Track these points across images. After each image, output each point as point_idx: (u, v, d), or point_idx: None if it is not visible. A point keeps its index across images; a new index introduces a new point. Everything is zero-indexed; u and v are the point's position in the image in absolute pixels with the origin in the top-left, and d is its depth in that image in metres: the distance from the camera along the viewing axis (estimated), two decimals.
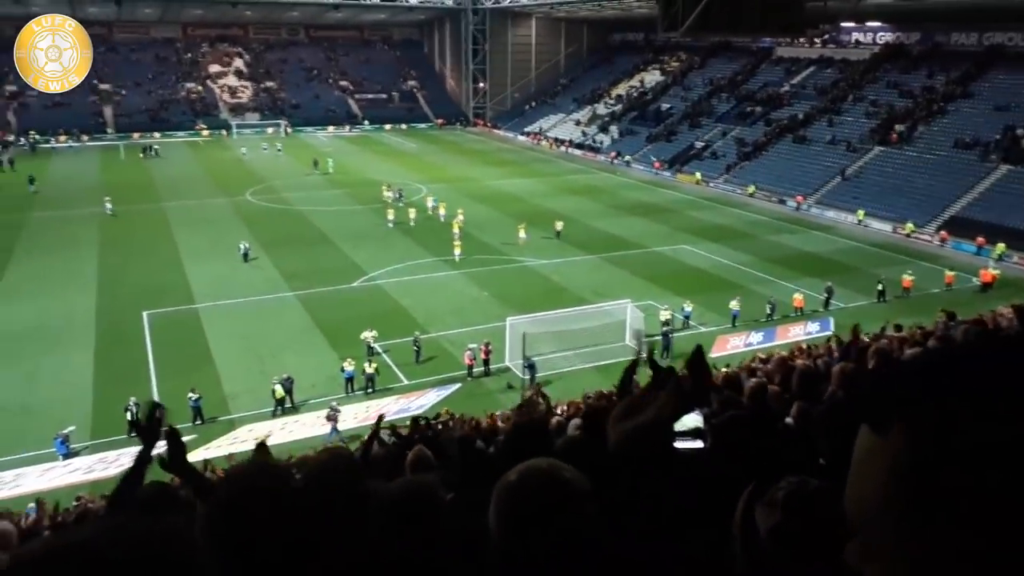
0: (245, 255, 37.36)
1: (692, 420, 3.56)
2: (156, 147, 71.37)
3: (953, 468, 0.65)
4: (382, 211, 46.50)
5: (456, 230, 40.60)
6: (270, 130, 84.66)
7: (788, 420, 5.63)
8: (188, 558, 0.96)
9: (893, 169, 51.32)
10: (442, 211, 45.49)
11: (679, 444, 3.51)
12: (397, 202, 48.69)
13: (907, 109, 56.42)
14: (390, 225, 43.97)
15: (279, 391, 23.37)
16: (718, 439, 3.59)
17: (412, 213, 44.81)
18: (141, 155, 69.07)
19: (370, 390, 24.80)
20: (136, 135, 78.91)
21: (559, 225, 42.65)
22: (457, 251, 37.66)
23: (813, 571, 1.94)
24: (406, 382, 25.64)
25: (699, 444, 3.50)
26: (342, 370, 24.73)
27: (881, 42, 65.76)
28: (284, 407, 23.52)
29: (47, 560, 0.90)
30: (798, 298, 31.65)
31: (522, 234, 40.44)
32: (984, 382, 0.67)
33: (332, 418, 21.98)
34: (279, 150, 72.46)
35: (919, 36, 62.63)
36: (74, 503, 14.03)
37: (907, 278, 33.57)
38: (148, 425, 3.13)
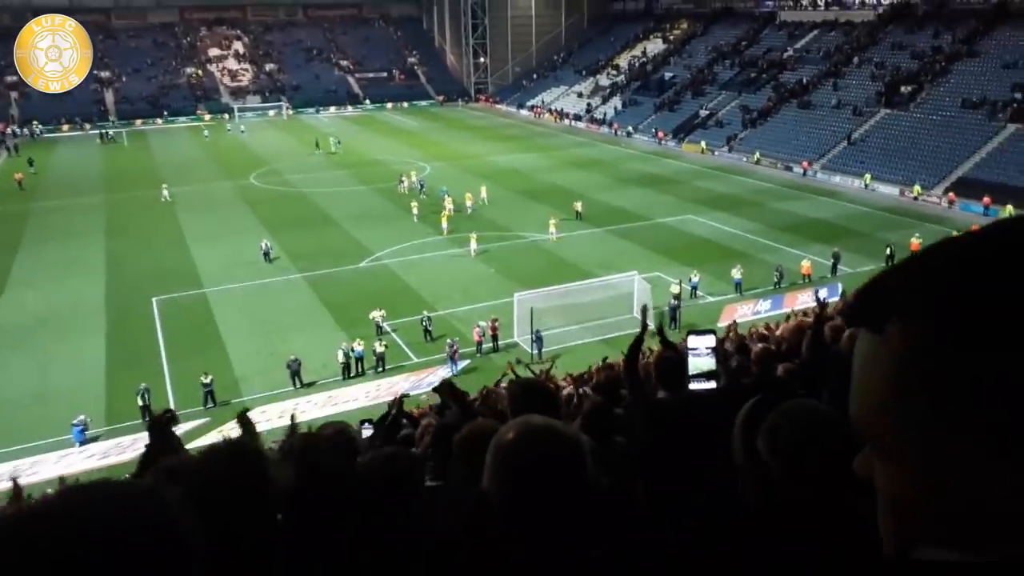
0: (266, 255, 34.90)
1: (706, 363, 3.62)
2: (111, 132, 71.60)
3: (960, 354, 0.62)
4: (395, 198, 45.49)
5: (445, 224, 38.28)
6: (271, 113, 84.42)
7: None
8: (164, 518, 0.94)
9: (899, 131, 50.80)
10: (468, 201, 42.39)
11: (694, 385, 3.58)
12: (419, 193, 45.34)
13: (913, 70, 55.68)
14: (415, 219, 40.32)
15: (339, 356, 24.47)
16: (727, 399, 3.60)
17: (448, 204, 40.92)
18: (99, 141, 69.14)
19: (380, 369, 24.93)
20: (138, 122, 78.83)
21: (578, 206, 41.14)
22: (474, 244, 35.25)
23: (820, 493, 1.92)
24: (415, 360, 25.74)
25: (712, 385, 3.55)
26: (352, 350, 24.84)
27: (886, 2, 64.81)
28: (350, 374, 24.62)
29: (16, 521, 0.90)
30: (806, 265, 31.51)
31: (553, 230, 37.16)
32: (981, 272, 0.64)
33: (452, 355, 24.27)
34: (242, 131, 73.00)
35: None
36: None
37: (915, 241, 33.33)
38: (157, 426, 3.33)
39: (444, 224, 38.51)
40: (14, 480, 6.76)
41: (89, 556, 0.85)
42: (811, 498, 1.95)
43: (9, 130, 71.95)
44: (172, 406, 22.67)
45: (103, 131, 71.86)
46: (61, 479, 14.28)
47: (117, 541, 0.88)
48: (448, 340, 25.38)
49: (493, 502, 1.78)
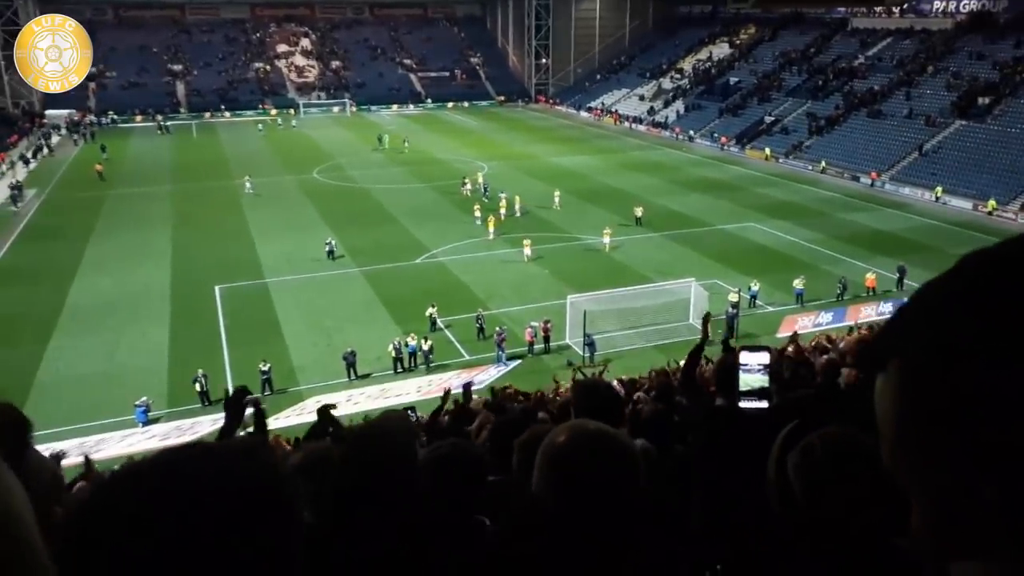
0: (331, 252, 34.99)
1: (757, 380, 3.53)
2: (167, 124, 74.44)
3: (953, 388, 0.64)
4: (452, 197, 45.73)
5: (492, 228, 37.66)
6: (335, 109, 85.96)
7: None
8: (273, 478, 0.94)
9: (975, 144, 48.96)
10: (517, 203, 42.04)
11: (744, 403, 3.50)
12: (483, 196, 44.59)
13: (992, 81, 53.61)
14: (479, 222, 39.18)
15: (391, 351, 24.79)
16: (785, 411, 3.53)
17: (502, 208, 40.93)
18: (159, 131, 72.13)
19: (427, 365, 25.05)
20: (208, 114, 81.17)
21: (639, 211, 40.40)
22: (528, 250, 34.55)
23: (840, 519, 1.89)
24: (467, 357, 25.87)
25: (764, 404, 3.47)
26: (406, 345, 25.09)
27: (965, 10, 62.55)
28: (403, 365, 24.98)
29: (128, 475, 0.90)
30: (870, 278, 30.64)
31: (607, 239, 36.29)
32: (975, 313, 0.67)
33: (500, 342, 25.00)
34: (293, 125, 75.39)
35: (1006, 3, 59.33)
36: None
37: None
38: (235, 403, 3.46)
39: (491, 228, 37.79)
40: (86, 456, 6.99)
41: (191, 508, 0.85)
42: (824, 520, 1.95)
43: (87, 119, 75.01)
44: (230, 392, 23.28)
45: (160, 123, 74.56)
46: (130, 459, 14.72)
47: (221, 493, 0.88)
48: (497, 328, 25.77)
49: (541, 503, 1.77)
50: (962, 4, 62.77)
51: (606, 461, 1.72)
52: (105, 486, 0.89)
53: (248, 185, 47.52)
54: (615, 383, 14.61)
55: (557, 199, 43.54)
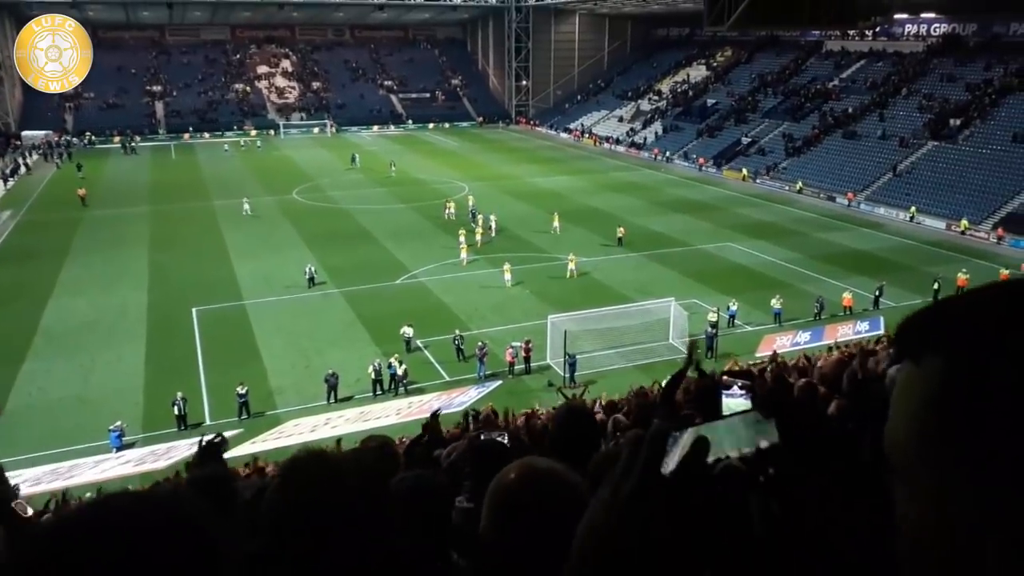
0: (311, 280, 33.95)
1: (739, 405, 3.53)
2: (134, 145, 74.38)
3: (989, 392, 0.60)
4: (433, 217, 45.75)
5: (464, 254, 37.17)
6: (316, 130, 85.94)
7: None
8: (190, 525, 0.94)
9: (947, 164, 49.84)
10: (493, 223, 42.18)
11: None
12: (471, 221, 43.35)
13: (962, 103, 54.71)
14: (460, 246, 38.12)
15: (371, 372, 24.48)
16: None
17: (479, 234, 40.45)
18: (123, 152, 72.01)
19: (401, 388, 24.70)
20: (186, 135, 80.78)
21: (621, 231, 40.63)
22: (508, 275, 33.92)
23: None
24: (447, 379, 25.73)
25: None
26: (388, 366, 24.91)
27: (936, 34, 63.89)
28: (383, 387, 24.64)
29: (46, 531, 0.91)
30: (847, 297, 30.93)
31: (572, 266, 35.26)
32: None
33: (481, 356, 25.18)
34: (258, 146, 75.76)
35: (976, 27, 60.68)
36: None
37: (961, 277, 32.52)
38: (210, 449, 3.39)
39: (464, 254, 37.25)
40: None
41: (114, 559, 0.87)
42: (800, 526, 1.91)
43: (63, 139, 74.30)
44: (207, 416, 22.99)
45: (125, 144, 74.08)
46: (99, 490, 14.44)
47: (143, 544, 0.88)
48: (479, 343, 25.90)
49: (486, 540, 1.73)
50: (933, 27, 64.12)
51: (550, 501, 1.68)
52: (30, 545, 0.89)
53: (246, 206, 47.22)
54: (597, 405, 14.58)
55: (557, 224, 42.73)
